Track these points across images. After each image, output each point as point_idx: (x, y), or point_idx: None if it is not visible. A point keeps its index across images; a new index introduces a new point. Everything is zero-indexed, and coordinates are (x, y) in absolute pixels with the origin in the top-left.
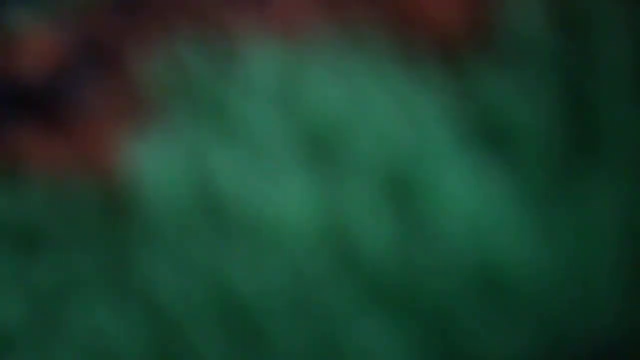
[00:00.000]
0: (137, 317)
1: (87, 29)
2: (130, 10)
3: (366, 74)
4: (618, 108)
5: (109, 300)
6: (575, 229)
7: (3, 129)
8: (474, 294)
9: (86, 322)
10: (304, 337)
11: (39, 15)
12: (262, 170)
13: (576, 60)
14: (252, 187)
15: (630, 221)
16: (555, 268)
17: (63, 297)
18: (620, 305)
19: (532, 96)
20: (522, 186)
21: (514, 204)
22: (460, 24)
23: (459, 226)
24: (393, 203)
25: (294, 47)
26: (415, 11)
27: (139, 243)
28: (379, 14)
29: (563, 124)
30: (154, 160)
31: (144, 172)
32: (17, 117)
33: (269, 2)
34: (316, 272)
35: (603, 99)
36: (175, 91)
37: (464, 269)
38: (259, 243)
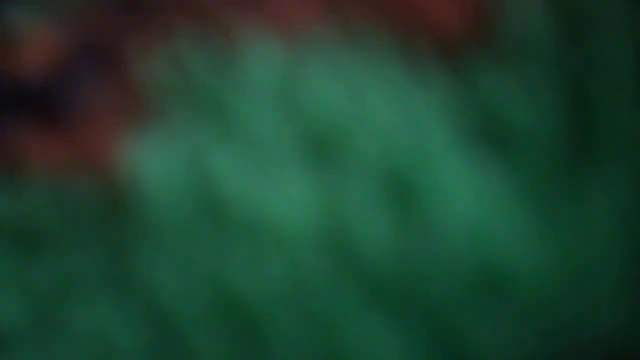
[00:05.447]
0: (137, 317)
1: (87, 29)
2: (130, 10)
3: (366, 74)
4: (618, 108)
5: (109, 300)
6: (575, 229)
7: (3, 129)
8: (474, 294)
9: (86, 322)
10: (304, 338)
11: (39, 15)
12: (262, 170)
13: (576, 60)
14: (252, 187)
15: (631, 221)
16: (556, 268)
17: (63, 297)
18: (622, 306)
19: (532, 96)
20: (522, 185)
21: (514, 203)
22: (461, 24)
23: (459, 226)
24: (393, 203)
25: (294, 47)
26: (415, 11)
27: (139, 243)
28: (379, 14)
29: (563, 123)
30: (154, 160)
31: (144, 172)
32: (17, 117)
33: (269, 2)
34: (316, 272)
35: (603, 98)
36: (175, 91)
37: (464, 269)
38: (259, 243)
